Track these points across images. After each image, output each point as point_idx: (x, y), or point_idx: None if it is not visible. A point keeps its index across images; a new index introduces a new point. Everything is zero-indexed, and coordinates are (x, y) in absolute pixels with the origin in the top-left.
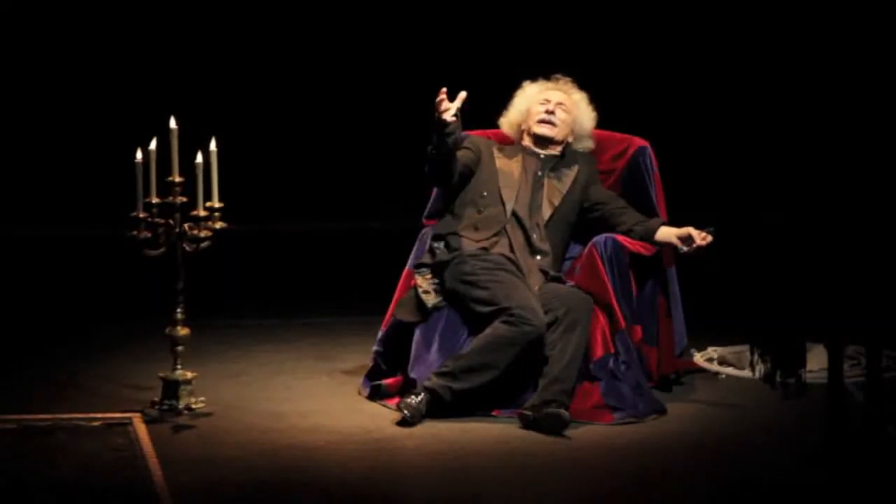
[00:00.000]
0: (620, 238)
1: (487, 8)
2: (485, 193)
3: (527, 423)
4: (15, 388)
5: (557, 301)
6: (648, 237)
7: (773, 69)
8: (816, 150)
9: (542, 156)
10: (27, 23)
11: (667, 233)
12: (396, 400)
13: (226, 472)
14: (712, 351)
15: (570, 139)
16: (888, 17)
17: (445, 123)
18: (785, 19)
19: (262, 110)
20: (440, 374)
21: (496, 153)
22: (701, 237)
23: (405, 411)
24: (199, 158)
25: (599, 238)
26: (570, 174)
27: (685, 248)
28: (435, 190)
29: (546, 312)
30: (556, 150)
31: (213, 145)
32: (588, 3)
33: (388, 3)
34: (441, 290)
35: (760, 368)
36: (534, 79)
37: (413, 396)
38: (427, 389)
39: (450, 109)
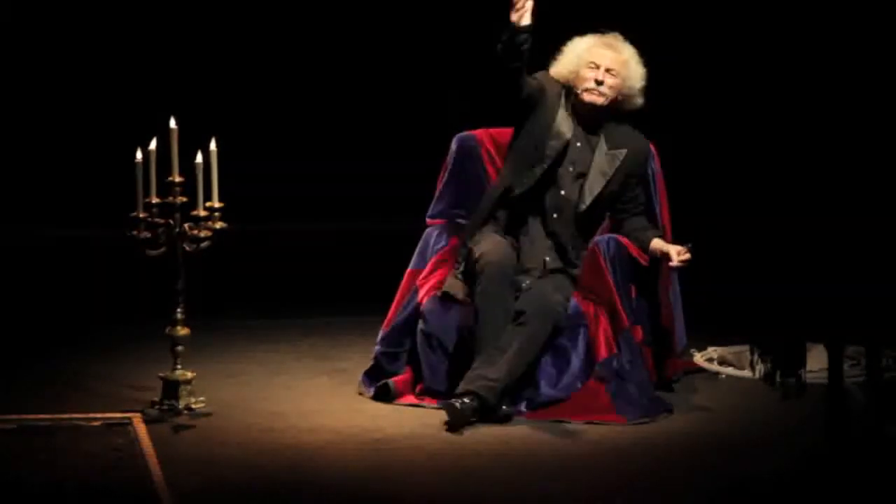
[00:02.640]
0: (622, 239)
1: (488, 7)
2: (535, 169)
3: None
4: (15, 388)
5: (528, 297)
6: (643, 249)
7: (778, 69)
8: (818, 152)
9: (591, 126)
10: (27, 23)
11: (654, 247)
12: (408, 398)
13: (226, 472)
14: (712, 351)
15: (619, 98)
16: (889, 19)
17: (519, 27)
18: (792, 19)
19: (262, 110)
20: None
21: (559, 112)
22: (678, 256)
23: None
24: (199, 158)
25: (602, 238)
26: (617, 158)
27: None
28: (438, 189)
29: (517, 315)
30: (603, 108)
31: (213, 145)
32: (590, 1)
33: (387, 2)
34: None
35: (760, 368)
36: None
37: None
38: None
39: (525, 12)
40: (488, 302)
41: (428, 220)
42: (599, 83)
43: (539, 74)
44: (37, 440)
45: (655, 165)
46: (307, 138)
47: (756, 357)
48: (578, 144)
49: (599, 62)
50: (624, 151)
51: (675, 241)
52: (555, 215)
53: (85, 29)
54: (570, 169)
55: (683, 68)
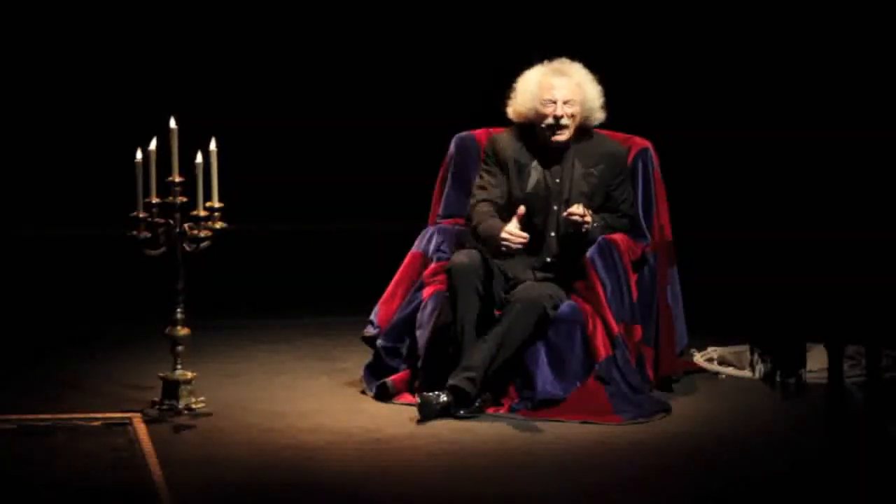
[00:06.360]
0: (617, 242)
1: (489, 7)
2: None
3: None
4: (15, 388)
5: (517, 292)
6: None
7: (780, 70)
8: (817, 153)
9: (561, 151)
10: (27, 22)
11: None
12: (405, 397)
13: (226, 472)
14: (712, 351)
15: (582, 120)
16: (890, 20)
17: (506, 250)
18: (793, 20)
19: (262, 110)
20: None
21: (512, 164)
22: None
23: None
24: (199, 158)
25: (593, 252)
26: (594, 175)
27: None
28: (446, 191)
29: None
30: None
31: (213, 145)
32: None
33: (387, 2)
34: None
35: (760, 368)
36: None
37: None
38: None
39: (519, 244)
40: (458, 298)
41: (442, 221)
42: (559, 118)
43: (489, 149)
44: (37, 440)
45: (654, 165)
46: (307, 138)
47: (756, 357)
48: (558, 180)
49: (555, 96)
50: (601, 167)
51: (674, 243)
52: (551, 235)
53: (85, 28)
54: (556, 208)
55: (684, 70)
